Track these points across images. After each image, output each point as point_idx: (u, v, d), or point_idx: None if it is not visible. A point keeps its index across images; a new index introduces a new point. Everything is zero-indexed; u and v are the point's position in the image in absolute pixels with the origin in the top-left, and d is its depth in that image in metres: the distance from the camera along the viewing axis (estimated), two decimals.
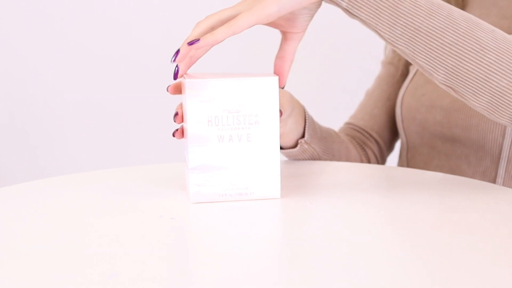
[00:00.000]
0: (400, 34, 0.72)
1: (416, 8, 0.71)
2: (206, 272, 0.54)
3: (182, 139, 0.75)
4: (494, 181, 0.93)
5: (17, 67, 2.15)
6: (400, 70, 1.11)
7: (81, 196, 0.75)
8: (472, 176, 0.95)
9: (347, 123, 1.09)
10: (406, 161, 1.06)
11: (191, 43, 0.70)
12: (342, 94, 2.00)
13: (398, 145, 1.12)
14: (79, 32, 2.12)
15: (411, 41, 0.72)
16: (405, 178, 0.82)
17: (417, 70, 1.04)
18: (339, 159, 0.98)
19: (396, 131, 1.10)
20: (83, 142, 2.19)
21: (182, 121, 0.74)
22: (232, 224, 0.67)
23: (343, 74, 2.04)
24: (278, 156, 0.72)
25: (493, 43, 0.71)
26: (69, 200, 0.74)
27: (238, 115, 0.71)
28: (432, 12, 0.71)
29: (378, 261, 0.56)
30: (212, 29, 0.72)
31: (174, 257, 0.58)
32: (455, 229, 0.64)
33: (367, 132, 1.08)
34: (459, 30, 0.71)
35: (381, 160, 1.10)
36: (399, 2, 0.71)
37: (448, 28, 0.71)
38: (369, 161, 1.07)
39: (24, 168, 2.21)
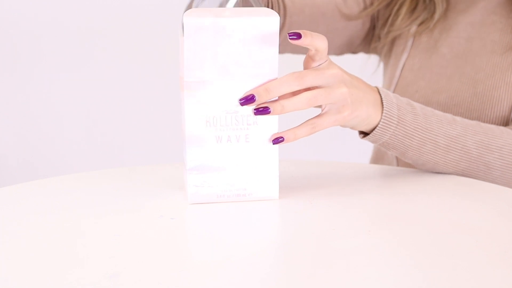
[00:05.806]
0: (421, 165, 0.83)
1: (435, 145, 0.80)
2: (205, 272, 0.55)
3: (181, 139, 0.75)
4: None
5: (17, 68, 2.16)
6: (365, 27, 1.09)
7: (81, 196, 0.76)
8: None
9: None
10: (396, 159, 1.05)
11: (275, 141, 0.71)
12: None
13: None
14: (79, 33, 2.12)
15: (430, 169, 0.83)
16: (404, 178, 0.82)
17: (404, 65, 1.04)
18: None
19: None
20: (82, 142, 2.19)
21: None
22: (230, 225, 0.67)
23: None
24: (276, 157, 0.72)
25: (499, 161, 0.82)
26: (69, 200, 0.74)
27: (236, 116, 0.70)
28: (450, 149, 0.81)
29: (379, 261, 0.57)
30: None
31: (173, 258, 0.58)
32: (455, 229, 0.64)
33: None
34: (471, 158, 0.82)
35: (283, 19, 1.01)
36: (423, 145, 0.80)
37: (462, 159, 0.82)
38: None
39: (23, 168, 2.22)
